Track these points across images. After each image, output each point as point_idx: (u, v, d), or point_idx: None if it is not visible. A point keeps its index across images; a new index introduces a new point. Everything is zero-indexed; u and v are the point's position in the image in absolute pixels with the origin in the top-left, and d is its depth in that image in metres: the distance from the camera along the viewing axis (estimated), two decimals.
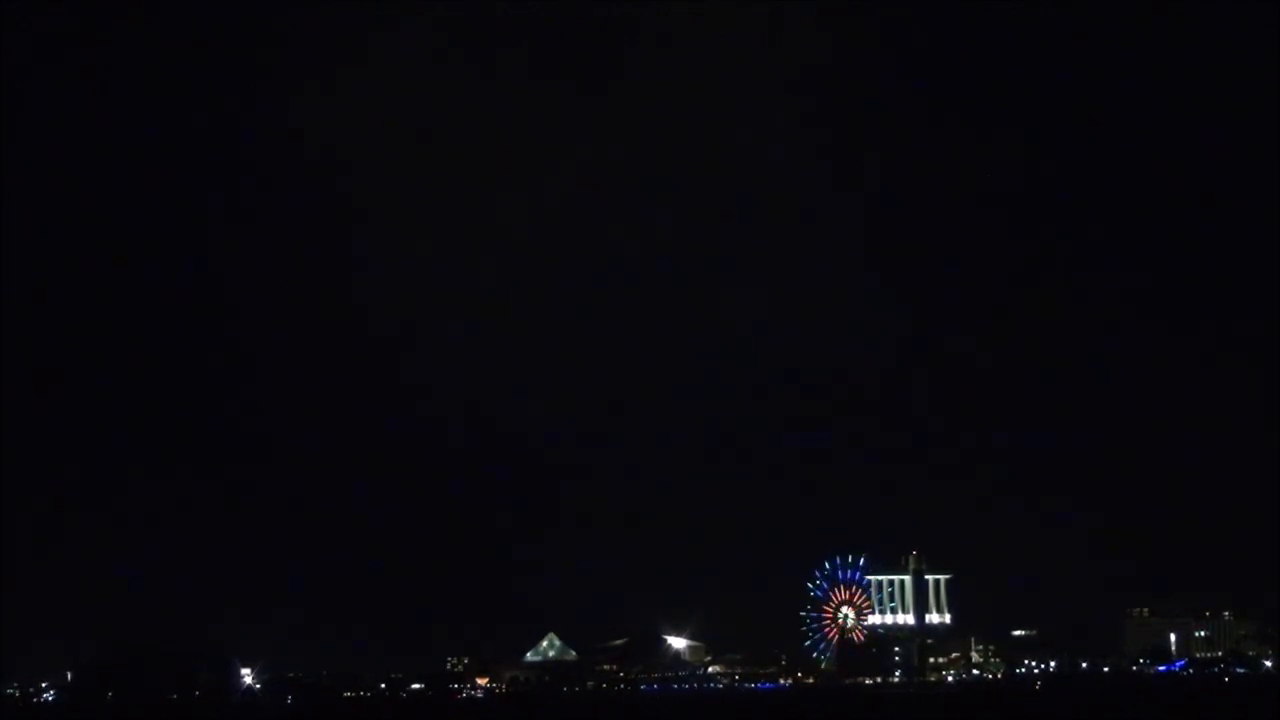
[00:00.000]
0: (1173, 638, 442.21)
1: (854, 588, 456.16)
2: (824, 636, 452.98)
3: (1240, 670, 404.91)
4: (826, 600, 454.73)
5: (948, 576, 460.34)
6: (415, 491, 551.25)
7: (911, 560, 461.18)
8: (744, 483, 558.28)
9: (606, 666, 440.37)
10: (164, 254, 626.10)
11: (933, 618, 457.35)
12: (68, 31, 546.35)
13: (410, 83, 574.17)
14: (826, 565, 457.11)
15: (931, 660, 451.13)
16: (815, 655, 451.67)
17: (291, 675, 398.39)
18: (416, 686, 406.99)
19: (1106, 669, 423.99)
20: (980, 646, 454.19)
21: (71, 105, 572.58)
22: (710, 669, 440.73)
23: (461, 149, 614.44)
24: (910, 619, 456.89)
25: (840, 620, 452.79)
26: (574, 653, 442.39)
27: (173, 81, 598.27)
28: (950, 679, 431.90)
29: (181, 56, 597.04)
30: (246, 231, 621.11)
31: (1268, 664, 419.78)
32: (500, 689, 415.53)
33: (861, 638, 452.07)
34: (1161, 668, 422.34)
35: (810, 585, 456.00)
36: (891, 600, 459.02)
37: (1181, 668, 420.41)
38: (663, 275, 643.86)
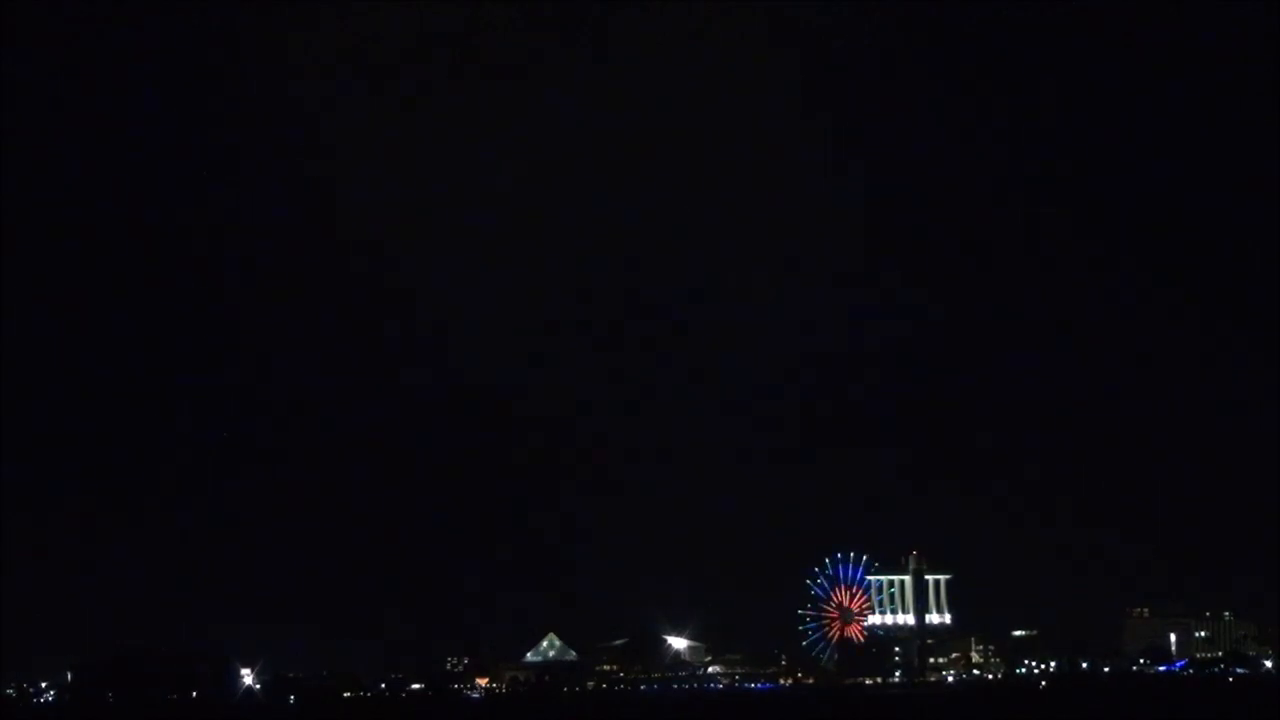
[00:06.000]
0: (1173, 638, 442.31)
1: (854, 588, 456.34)
2: (824, 636, 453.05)
3: (1240, 670, 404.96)
4: (826, 600, 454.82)
5: (948, 576, 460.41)
6: (414, 492, 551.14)
7: (911, 560, 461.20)
8: (744, 482, 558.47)
9: (606, 666, 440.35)
10: (161, 255, 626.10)
11: (933, 618, 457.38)
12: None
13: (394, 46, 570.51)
14: (827, 565, 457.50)
15: (931, 660, 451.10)
16: (815, 655, 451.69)
17: (291, 675, 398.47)
18: (416, 686, 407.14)
19: (1106, 669, 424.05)
20: (980, 646, 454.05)
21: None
22: (710, 669, 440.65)
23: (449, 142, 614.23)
24: (910, 619, 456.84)
25: (840, 620, 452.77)
26: (574, 653, 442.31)
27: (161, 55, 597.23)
28: (950, 679, 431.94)
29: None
30: (237, 222, 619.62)
31: (1268, 664, 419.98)
32: (500, 689, 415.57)
33: (861, 638, 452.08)
34: (1161, 668, 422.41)
35: (810, 585, 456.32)
36: (891, 600, 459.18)
37: (1181, 668, 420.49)
38: (661, 271, 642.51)
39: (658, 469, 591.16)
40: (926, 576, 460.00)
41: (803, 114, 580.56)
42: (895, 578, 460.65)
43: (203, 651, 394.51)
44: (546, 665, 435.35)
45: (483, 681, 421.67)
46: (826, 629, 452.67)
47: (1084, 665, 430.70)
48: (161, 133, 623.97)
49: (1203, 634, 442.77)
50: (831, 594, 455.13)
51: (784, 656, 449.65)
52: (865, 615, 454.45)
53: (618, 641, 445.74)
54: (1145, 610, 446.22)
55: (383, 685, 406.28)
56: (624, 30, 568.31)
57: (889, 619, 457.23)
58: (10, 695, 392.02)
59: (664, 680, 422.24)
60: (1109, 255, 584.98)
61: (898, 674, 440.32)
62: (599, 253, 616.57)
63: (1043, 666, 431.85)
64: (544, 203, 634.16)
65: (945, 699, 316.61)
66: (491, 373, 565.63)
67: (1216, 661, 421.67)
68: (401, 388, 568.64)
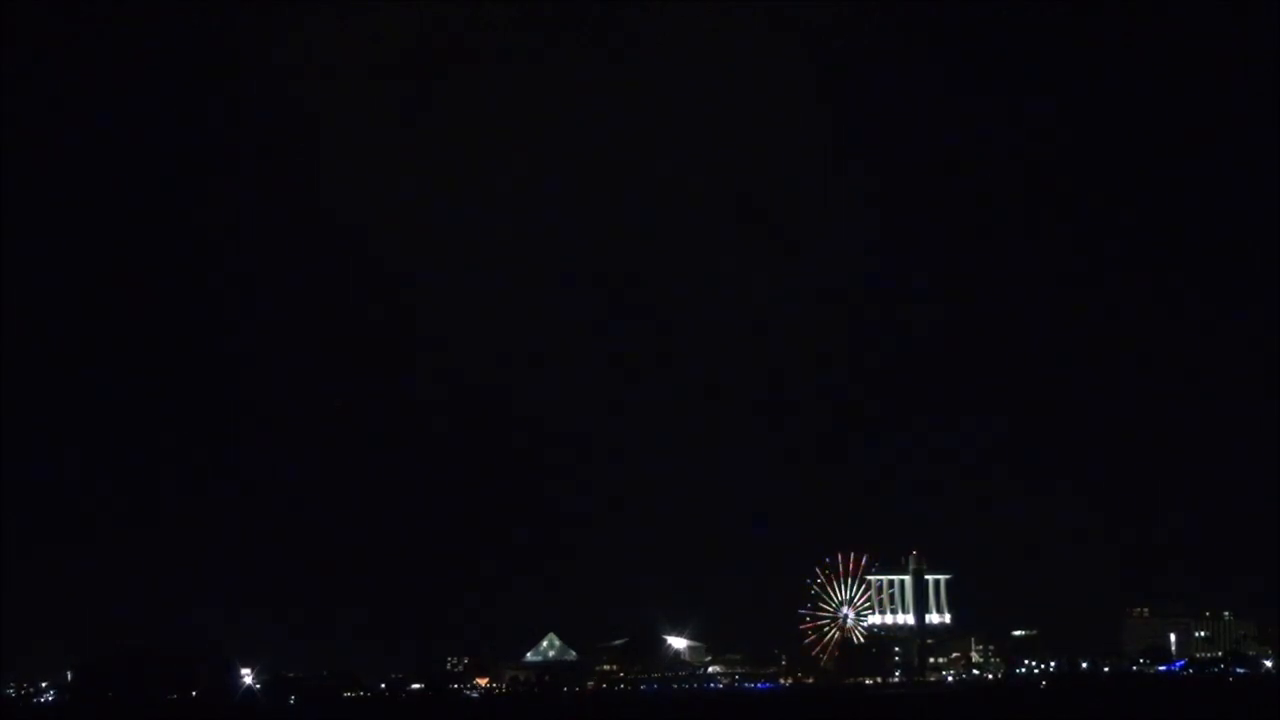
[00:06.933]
0: (1173, 638, 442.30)
1: (854, 587, 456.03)
2: (824, 636, 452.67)
3: (1240, 670, 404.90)
4: (827, 600, 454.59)
5: (948, 576, 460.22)
6: (415, 491, 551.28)
7: (911, 560, 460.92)
8: (745, 482, 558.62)
9: (606, 666, 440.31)
10: (161, 256, 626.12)
11: (933, 618, 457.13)
12: None
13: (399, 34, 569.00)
14: (827, 565, 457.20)
15: (931, 660, 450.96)
16: (815, 655, 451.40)
17: (291, 675, 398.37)
18: (416, 686, 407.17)
19: (1106, 669, 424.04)
20: (980, 646, 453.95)
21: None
22: (710, 669, 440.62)
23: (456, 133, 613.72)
24: (910, 619, 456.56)
25: (840, 620, 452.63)
26: (574, 653, 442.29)
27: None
28: (950, 679, 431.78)
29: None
30: (238, 222, 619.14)
31: (1268, 664, 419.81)
32: (500, 689, 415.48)
33: (861, 638, 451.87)
34: (1161, 668, 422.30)
35: (810, 585, 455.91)
36: (891, 600, 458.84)
37: (1181, 668, 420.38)
38: (662, 271, 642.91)
39: (657, 469, 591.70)
40: (926, 576, 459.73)
41: (804, 113, 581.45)
42: (895, 578, 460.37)
43: (203, 651, 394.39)
44: (546, 665, 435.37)
45: (483, 681, 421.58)
46: (826, 629, 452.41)
47: (1084, 665, 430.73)
48: (160, 133, 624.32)
49: (1203, 634, 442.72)
50: (832, 594, 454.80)
51: (784, 656, 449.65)
52: (865, 615, 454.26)
53: (618, 641, 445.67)
54: (1145, 610, 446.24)
55: (383, 685, 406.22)
56: (624, 30, 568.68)
57: (889, 619, 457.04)
58: (10, 695, 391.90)
59: (664, 680, 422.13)
60: (1108, 254, 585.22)
61: (898, 674, 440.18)
62: (600, 252, 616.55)
63: (1043, 666, 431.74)
64: (544, 202, 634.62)
65: (945, 699, 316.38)
66: (492, 372, 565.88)
67: (1216, 661, 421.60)
68: (401, 387, 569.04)
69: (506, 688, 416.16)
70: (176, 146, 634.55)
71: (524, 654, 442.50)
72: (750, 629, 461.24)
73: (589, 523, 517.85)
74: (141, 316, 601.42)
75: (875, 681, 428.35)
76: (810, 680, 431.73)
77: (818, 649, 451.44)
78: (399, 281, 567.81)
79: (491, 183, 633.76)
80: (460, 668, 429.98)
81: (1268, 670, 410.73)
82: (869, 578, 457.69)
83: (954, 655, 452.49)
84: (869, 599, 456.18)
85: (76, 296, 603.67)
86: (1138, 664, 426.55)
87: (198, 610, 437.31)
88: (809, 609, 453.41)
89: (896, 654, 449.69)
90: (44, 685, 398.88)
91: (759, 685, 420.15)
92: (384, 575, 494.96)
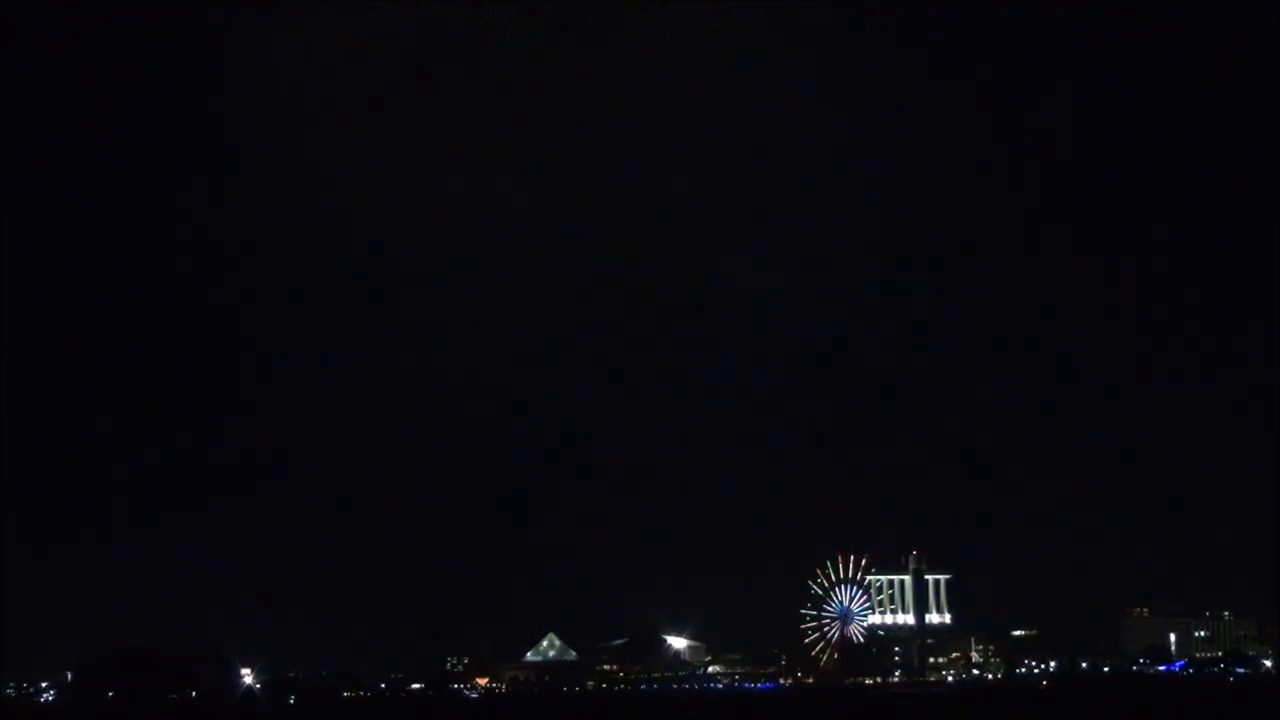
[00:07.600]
0: (1173, 638, 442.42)
1: (854, 588, 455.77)
2: (824, 636, 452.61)
3: (1240, 670, 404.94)
4: (827, 600, 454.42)
5: (948, 576, 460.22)
6: (415, 492, 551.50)
7: (911, 560, 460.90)
8: (744, 482, 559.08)
9: (606, 666, 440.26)
10: (163, 255, 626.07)
11: (933, 618, 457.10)
12: None
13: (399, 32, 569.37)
14: (827, 565, 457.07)
15: (931, 660, 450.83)
16: (815, 655, 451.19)
17: (291, 675, 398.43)
18: (416, 686, 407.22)
19: (1106, 669, 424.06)
20: (980, 646, 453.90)
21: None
22: (710, 669, 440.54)
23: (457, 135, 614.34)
24: (910, 619, 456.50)
25: (840, 620, 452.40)
26: (574, 653, 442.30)
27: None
28: (950, 679, 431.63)
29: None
30: (237, 221, 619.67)
31: (1268, 664, 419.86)
32: (500, 689, 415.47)
33: (861, 638, 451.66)
34: (1161, 668, 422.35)
35: (810, 585, 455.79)
36: (891, 600, 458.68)
37: (1181, 668, 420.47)
38: (662, 271, 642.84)
39: (658, 469, 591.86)
40: (926, 576, 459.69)
41: (804, 112, 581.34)
42: (895, 578, 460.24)
43: (203, 651, 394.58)
44: (546, 665, 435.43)
45: (483, 681, 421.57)
46: (826, 629, 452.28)
47: (1084, 665, 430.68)
48: (162, 133, 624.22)
49: (1203, 634, 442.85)
50: (832, 594, 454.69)
51: (784, 656, 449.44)
52: (865, 615, 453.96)
53: (618, 641, 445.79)
54: (1145, 610, 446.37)
55: (383, 685, 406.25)
56: (624, 30, 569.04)
57: (889, 619, 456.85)
58: (10, 695, 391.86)
59: (664, 680, 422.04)
60: (1108, 254, 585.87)
61: (898, 674, 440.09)
62: (600, 252, 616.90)
63: (1043, 666, 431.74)
64: (545, 202, 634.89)
65: (945, 699, 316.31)
66: (492, 373, 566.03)
67: (1216, 661, 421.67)
68: (402, 388, 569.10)
69: (506, 688, 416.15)
70: (176, 146, 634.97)
71: (524, 654, 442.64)
72: (750, 629, 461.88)
73: (589, 522, 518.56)
74: (141, 316, 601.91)
75: (876, 681, 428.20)
76: (810, 680, 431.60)
77: (818, 649, 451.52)
78: (399, 280, 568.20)
79: (491, 182, 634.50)
80: (460, 668, 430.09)
81: (1268, 670, 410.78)
82: (869, 578, 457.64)
83: (954, 655, 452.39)
84: (869, 599, 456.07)
85: (76, 296, 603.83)
86: (1138, 664, 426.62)
87: (198, 610, 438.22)
88: (809, 609, 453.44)
89: (896, 654, 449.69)
90: (44, 685, 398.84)
91: (759, 685, 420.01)
92: (384, 575, 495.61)
